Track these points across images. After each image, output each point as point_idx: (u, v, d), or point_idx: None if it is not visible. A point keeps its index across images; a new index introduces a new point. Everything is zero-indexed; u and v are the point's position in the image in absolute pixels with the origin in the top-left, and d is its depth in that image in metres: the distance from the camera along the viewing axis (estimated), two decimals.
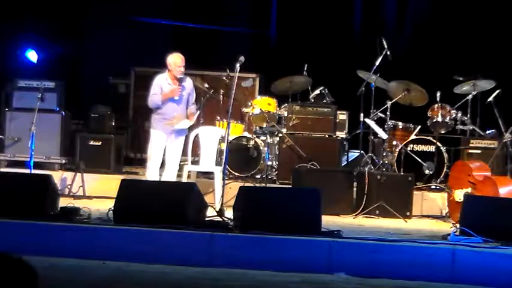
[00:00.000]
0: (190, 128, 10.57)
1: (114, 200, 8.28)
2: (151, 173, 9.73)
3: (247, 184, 10.57)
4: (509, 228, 7.66)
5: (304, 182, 10.17)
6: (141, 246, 7.51)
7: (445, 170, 10.84)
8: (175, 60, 9.73)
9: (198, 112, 10.14)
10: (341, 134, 11.91)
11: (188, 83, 9.95)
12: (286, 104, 11.59)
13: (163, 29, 13.80)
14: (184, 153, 9.98)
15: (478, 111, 11.27)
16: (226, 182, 9.40)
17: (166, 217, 7.81)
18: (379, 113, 11.02)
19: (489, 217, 7.81)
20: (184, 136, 9.95)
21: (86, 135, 11.63)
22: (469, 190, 9.09)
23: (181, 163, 10.35)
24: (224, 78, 11.94)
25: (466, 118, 11.13)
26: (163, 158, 9.77)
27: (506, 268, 7.13)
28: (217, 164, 10.52)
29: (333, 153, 11.21)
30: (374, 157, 11.08)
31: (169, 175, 9.74)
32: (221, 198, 8.99)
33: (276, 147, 11.35)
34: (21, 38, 12.53)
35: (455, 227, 8.14)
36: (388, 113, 10.97)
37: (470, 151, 10.93)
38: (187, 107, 9.88)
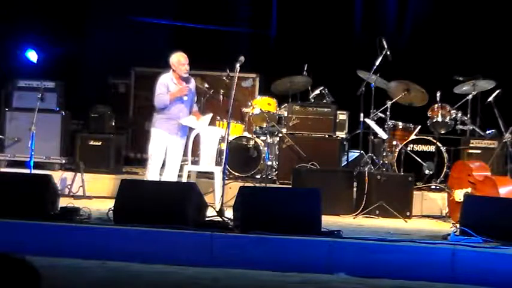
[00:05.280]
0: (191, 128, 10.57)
1: (114, 200, 8.29)
2: (152, 173, 9.67)
3: (247, 184, 10.57)
4: (509, 228, 7.65)
5: (304, 182, 10.16)
6: (141, 246, 7.51)
7: (445, 170, 10.84)
8: (178, 59, 9.69)
9: (211, 114, 10.10)
10: (341, 134, 11.91)
11: (193, 83, 9.92)
12: (286, 104, 11.59)
13: (163, 29, 13.80)
14: (184, 153, 9.96)
15: (478, 111, 11.27)
16: (226, 182, 9.39)
17: (166, 217, 7.81)
18: (379, 113, 11.02)
19: (489, 217, 7.80)
20: (186, 137, 9.92)
21: (86, 135, 11.62)
22: (469, 190, 9.09)
23: (181, 163, 10.34)
24: (224, 78, 11.94)
25: (466, 118, 11.13)
26: (164, 158, 9.75)
27: (506, 268, 7.12)
28: (217, 164, 10.51)
29: (333, 153, 11.21)
30: (374, 157, 11.09)
31: (170, 175, 9.69)
32: (221, 198, 8.98)
33: (276, 147, 11.35)
34: (21, 38, 12.53)
35: (455, 227, 8.12)
36: (388, 113, 10.97)
37: (470, 151, 10.93)
38: (191, 106, 9.87)
